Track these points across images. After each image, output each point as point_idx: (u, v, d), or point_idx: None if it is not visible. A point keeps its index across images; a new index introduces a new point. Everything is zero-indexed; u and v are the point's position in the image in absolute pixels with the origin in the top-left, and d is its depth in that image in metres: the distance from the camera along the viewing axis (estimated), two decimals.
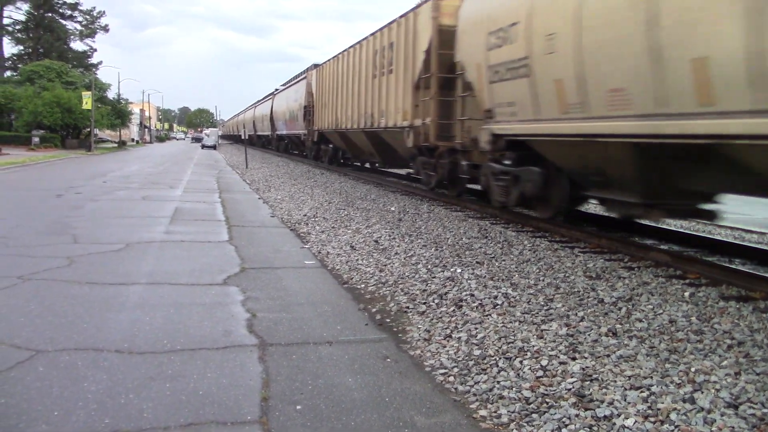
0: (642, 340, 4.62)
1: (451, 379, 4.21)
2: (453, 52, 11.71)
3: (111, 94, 62.19)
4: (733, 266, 7.10)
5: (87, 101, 46.15)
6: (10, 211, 11.75)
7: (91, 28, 70.57)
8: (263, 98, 52.91)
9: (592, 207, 11.91)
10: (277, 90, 43.32)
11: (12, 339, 4.61)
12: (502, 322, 5.17)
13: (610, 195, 8.37)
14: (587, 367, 4.16)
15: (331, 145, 25.93)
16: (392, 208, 12.50)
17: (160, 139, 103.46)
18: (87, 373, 4.03)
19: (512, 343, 4.70)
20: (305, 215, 12.02)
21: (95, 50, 77.76)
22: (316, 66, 27.89)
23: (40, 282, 6.37)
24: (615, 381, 3.92)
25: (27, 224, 10.13)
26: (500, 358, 4.44)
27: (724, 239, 9.33)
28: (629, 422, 3.41)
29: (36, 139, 45.11)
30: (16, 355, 4.31)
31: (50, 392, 3.72)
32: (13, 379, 3.91)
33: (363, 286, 6.76)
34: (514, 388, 3.95)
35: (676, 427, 3.35)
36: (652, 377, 3.93)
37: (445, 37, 12.19)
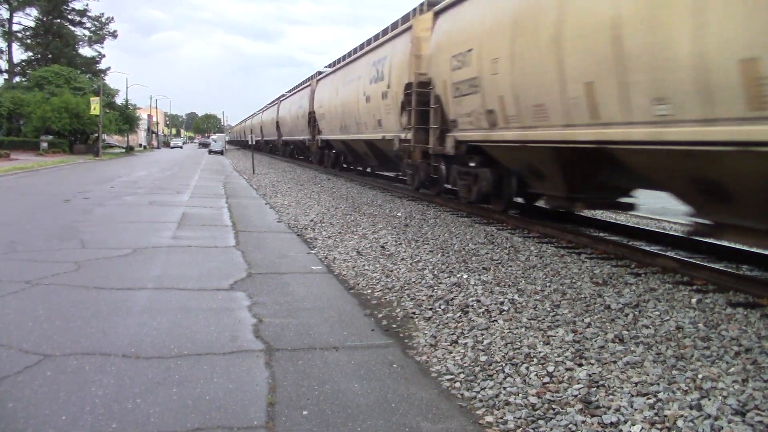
0: (649, 347, 4.61)
1: (458, 385, 4.21)
2: (427, 71, 13.60)
3: (119, 100, 62.66)
4: (741, 272, 7.07)
5: (95, 107, 46.49)
6: (19, 216, 11.82)
7: (99, 34, 70.88)
8: (270, 103, 53.10)
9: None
10: (283, 96, 43.54)
11: (20, 343, 4.64)
12: (509, 328, 5.17)
13: (545, 190, 10.02)
14: (594, 373, 4.15)
15: (333, 151, 27.27)
16: (399, 214, 12.52)
17: (167, 144, 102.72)
18: (94, 378, 4.04)
19: (519, 349, 4.70)
20: (312, 220, 12.04)
21: (103, 56, 78.04)
22: (320, 73, 28.81)
23: (48, 287, 6.40)
24: (622, 387, 3.91)
25: (36, 229, 10.19)
26: (506, 364, 4.43)
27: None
28: (636, 429, 3.41)
29: (44, 145, 45.38)
30: (24, 359, 4.33)
31: (58, 397, 3.74)
32: (21, 383, 3.93)
33: (369, 291, 6.77)
34: (520, 394, 3.95)
35: None
36: (659, 384, 3.92)
37: (423, 58, 14.13)
